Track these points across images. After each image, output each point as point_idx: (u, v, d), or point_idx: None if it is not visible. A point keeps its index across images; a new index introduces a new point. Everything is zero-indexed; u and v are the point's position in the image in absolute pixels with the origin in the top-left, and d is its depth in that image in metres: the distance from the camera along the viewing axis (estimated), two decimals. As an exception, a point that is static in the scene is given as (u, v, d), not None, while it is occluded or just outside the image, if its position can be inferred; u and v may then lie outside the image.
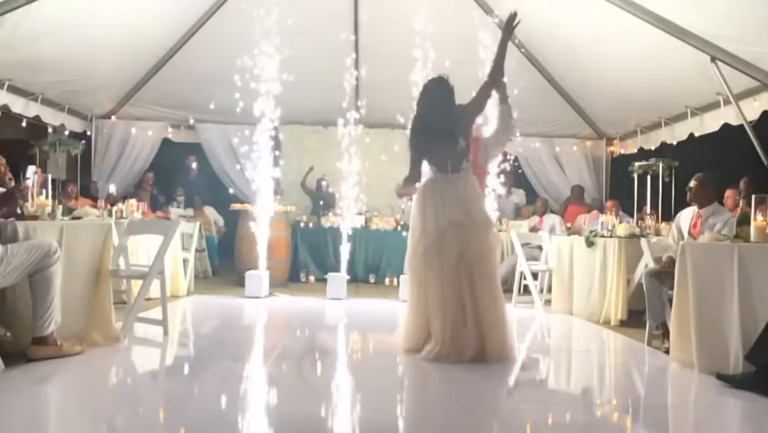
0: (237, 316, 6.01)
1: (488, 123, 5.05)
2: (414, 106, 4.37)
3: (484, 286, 3.98)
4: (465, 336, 3.90)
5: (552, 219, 8.36)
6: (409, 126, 4.45)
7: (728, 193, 5.72)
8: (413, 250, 4.15)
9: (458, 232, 3.99)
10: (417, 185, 4.29)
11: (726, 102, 6.31)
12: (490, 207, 7.19)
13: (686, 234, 4.66)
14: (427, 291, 4.02)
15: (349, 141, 7.23)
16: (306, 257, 8.42)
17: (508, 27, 4.34)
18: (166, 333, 4.49)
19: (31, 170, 3.98)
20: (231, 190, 9.28)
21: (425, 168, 4.27)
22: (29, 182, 3.92)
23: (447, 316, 3.92)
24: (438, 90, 4.24)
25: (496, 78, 4.35)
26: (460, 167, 4.14)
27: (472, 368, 3.87)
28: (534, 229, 7.95)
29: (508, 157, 7.82)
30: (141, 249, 5.65)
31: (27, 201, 3.89)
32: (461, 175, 4.14)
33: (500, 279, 7.86)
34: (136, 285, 4.55)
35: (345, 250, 7.33)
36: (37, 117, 7.73)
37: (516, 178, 9.22)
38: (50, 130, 8.53)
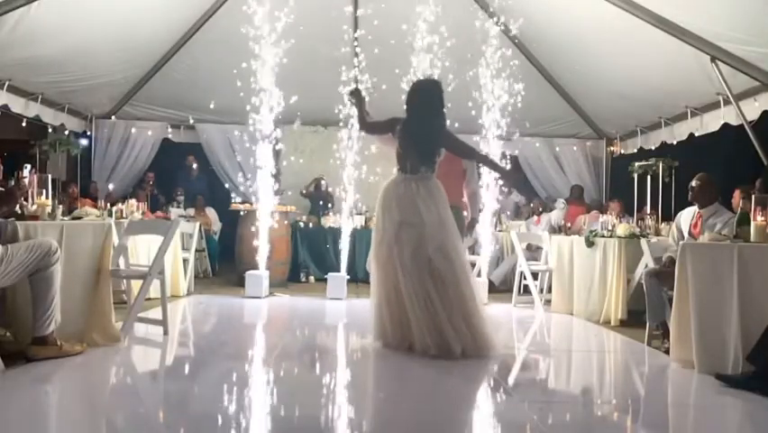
0: (237, 316, 6.01)
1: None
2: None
3: (450, 283, 4.05)
4: (439, 331, 3.96)
5: (548, 216, 8.38)
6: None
7: (736, 193, 5.69)
8: (376, 248, 4.28)
9: (411, 232, 4.10)
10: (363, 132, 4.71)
11: (727, 102, 6.30)
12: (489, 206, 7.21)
13: (686, 234, 4.66)
14: (395, 288, 4.10)
15: (349, 141, 7.23)
16: (306, 257, 8.42)
17: (510, 176, 4.81)
18: (166, 333, 4.49)
19: (26, 169, 3.97)
20: (230, 191, 9.28)
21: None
22: (26, 181, 3.91)
23: (420, 313, 3.99)
24: (426, 92, 4.38)
25: (480, 161, 5.01)
26: (419, 169, 4.25)
27: (472, 367, 3.88)
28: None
29: (508, 157, 7.82)
30: (141, 249, 5.65)
31: (27, 201, 3.89)
32: (420, 177, 4.24)
33: (500, 279, 7.94)
34: (136, 285, 4.55)
35: (345, 250, 7.33)
36: (37, 117, 7.74)
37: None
38: (49, 130, 8.53)
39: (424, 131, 4.26)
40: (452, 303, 4.03)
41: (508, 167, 6.72)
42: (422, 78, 4.73)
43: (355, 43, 7.65)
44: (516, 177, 4.80)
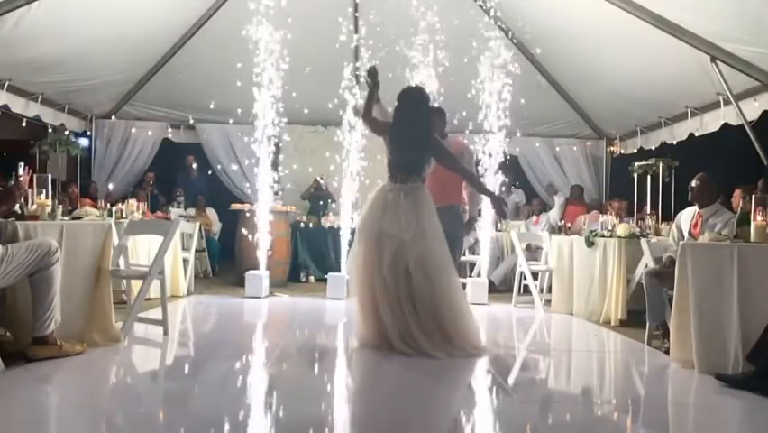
0: (237, 316, 6.01)
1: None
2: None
3: (428, 298, 4.02)
4: (415, 341, 3.96)
5: (547, 215, 8.38)
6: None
7: (737, 192, 5.69)
8: (354, 255, 4.26)
9: (389, 244, 4.06)
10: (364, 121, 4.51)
11: (727, 102, 6.30)
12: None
13: (686, 235, 4.66)
14: (372, 294, 4.08)
15: (349, 141, 7.23)
16: (306, 257, 8.42)
17: (497, 203, 4.65)
18: (166, 333, 4.49)
19: (20, 167, 3.96)
20: (231, 191, 9.27)
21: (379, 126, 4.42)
22: (21, 180, 3.91)
23: (398, 322, 4.00)
24: (412, 100, 4.33)
25: (464, 176, 4.65)
26: (408, 179, 4.22)
27: (472, 367, 3.88)
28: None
29: (508, 156, 7.82)
30: (142, 249, 5.65)
31: (26, 201, 3.89)
32: (408, 187, 4.21)
33: (500, 279, 7.93)
34: (136, 285, 4.54)
35: (345, 250, 7.33)
36: (37, 117, 7.74)
37: (516, 178, 9.21)
38: (49, 130, 8.53)
39: (412, 140, 4.22)
40: (428, 319, 4.00)
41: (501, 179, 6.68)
42: (410, 85, 4.64)
43: (356, 38, 7.66)
44: (499, 201, 4.72)
